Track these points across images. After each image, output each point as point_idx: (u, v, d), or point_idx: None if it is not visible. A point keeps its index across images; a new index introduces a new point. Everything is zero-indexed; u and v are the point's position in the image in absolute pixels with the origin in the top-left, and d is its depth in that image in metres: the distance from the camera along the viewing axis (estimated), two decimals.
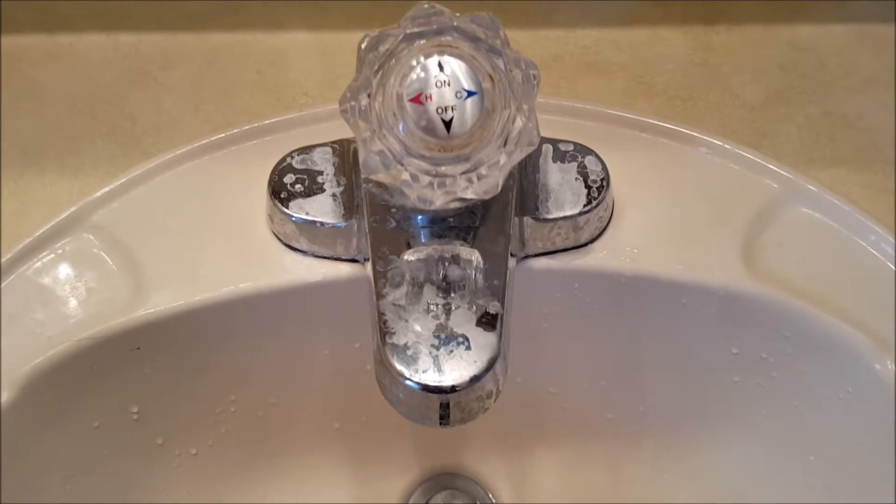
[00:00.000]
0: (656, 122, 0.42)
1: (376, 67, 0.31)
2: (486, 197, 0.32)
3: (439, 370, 0.32)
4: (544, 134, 0.37)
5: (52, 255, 0.39)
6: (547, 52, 0.46)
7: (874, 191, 0.41)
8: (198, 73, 0.45)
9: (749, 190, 0.41)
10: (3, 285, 0.38)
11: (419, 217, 0.35)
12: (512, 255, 0.36)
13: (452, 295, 0.33)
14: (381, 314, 0.33)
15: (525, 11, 0.46)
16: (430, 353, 0.32)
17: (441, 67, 0.30)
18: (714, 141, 0.42)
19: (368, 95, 0.31)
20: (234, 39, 0.46)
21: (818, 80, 0.45)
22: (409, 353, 0.32)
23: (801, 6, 0.46)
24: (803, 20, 0.47)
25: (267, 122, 0.42)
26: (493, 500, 0.46)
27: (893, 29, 0.46)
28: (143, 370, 0.39)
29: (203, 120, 0.43)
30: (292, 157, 0.38)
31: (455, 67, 0.30)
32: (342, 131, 0.36)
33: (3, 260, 0.39)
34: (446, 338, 0.33)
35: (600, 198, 0.37)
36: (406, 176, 0.31)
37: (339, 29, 0.46)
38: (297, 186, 0.38)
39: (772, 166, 0.41)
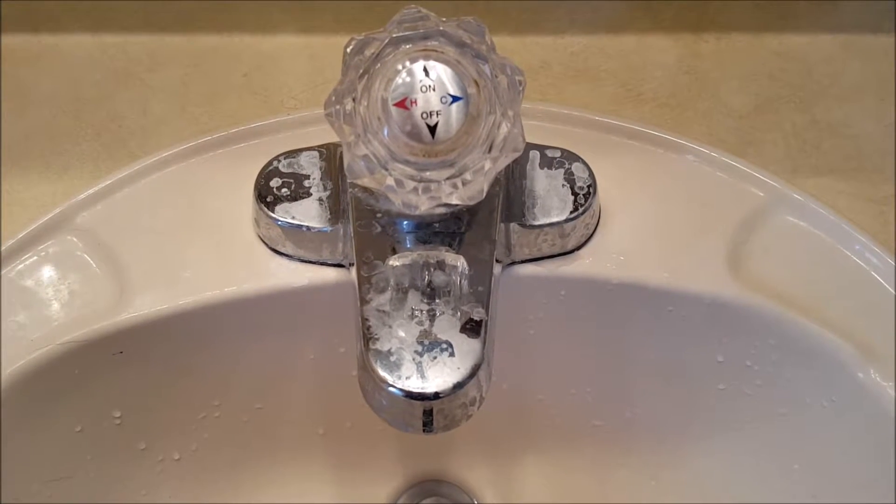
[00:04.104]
0: (644, 130, 0.42)
1: (361, 71, 0.31)
2: (471, 203, 0.32)
3: (423, 377, 0.32)
4: (532, 140, 0.37)
5: (35, 258, 0.39)
6: (535, 59, 0.46)
7: (860, 199, 0.42)
8: (185, 74, 0.45)
9: (735, 198, 0.41)
10: None
11: (404, 222, 0.35)
12: (498, 261, 0.36)
13: (437, 301, 0.33)
14: (364, 320, 0.33)
15: (513, 17, 0.46)
16: (414, 359, 0.32)
17: (426, 72, 0.30)
18: (701, 149, 0.42)
19: (353, 99, 0.31)
20: (222, 41, 0.46)
21: (805, 88, 0.45)
22: (393, 359, 0.32)
23: (790, 15, 0.46)
24: (791, 29, 0.47)
25: (254, 125, 0.42)
26: None
27: (881, 39, 0.47)
28: (126, 374, 0.39)
29: (190, 122, 0.43)
30: (279, 161, 0.38)
31: (441, 72, 0.30)
32: (330, 135, 0.36)
33: None
34: (430, 344, 0.32)
35: (587, 204, 0.37)
36: (391, 181, 0.31)
37: (328, 32, 0.46)
38: (284, 190, 0.37)
39: (758, 174, 0.41)
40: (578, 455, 0.46)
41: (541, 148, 0.38)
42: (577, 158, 0.38)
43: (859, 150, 0.43)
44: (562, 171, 0.38)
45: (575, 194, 0.38)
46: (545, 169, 0.38)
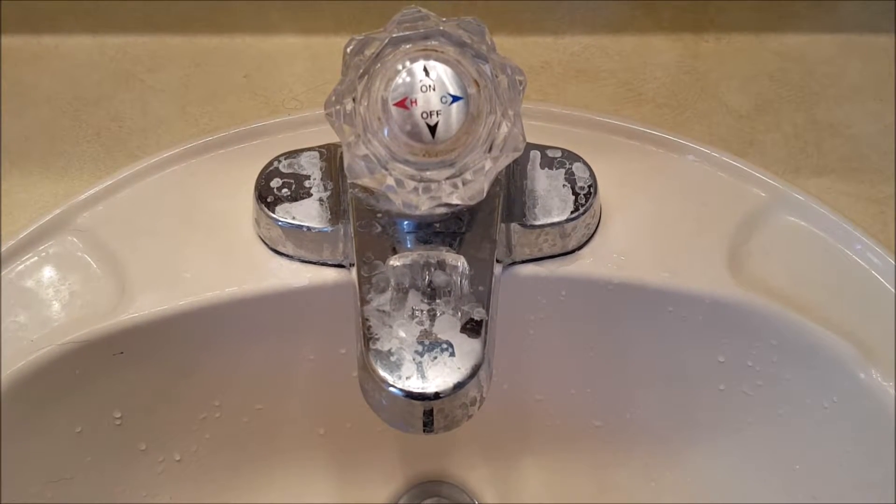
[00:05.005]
0: (644, 130, 0.42)
1: (361, 71, 0.31)
2: (472, 202, 0.32)
3: (423, 377, 0.32)
4: (533, 140, 0.37)
5: (36, 258, 0.39)
6: (536, 59, 0.46)
7: (860, 200, 0.42)
8: (185, 75, 0.45)
9: (736, 198, 0.41)
10: None
11: (405, 222, 0.35)
12: (498, 261, 0.36)
13: (437, 301, 0.33)
14: (365, 320, 0.33)
15: (514, 17, 0.46)
16: (414, 359, 0.32)
17: (427, 72, 0.30)
18: (701, 149, 0.42)
19: (353, 99, 0.31)
20: (223, 42, 0.46)
21: (806, 89, 0.45)
22: (393, 359, 0.32)
23: (790, 16, 0.46)
24: (791, 29, 0.47)
25: (254, 125, 0.42)
26: None
27: (881, 38, 0.47)
28: (126, 375, 0.39)
29: (190, 123, 0.43)
30: (279, 161, 0.38)
31: (441, 72, 0.30)
32: (330, 136, 0.36)
33: None
34: (430, 344, 0.32)
35: (588, 204, 0.37)
36: (391, 181, 0.31)
37: (329, 33, 0.46)
38: (284, 191, 0.37)
39: (759, 174, 0.41)
40: (578, 456, 0.46)
41: (541, 148, 0.38)
42: (578, 158, 0.38)
43: (859, 151, 0.43)
44: (562, 171, 0.38)
45: (576, 194, 0.37)
46: (546, 169, 0.38)
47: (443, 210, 0.34)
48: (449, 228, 0.35)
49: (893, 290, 0.39)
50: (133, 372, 0.39)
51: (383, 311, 0.33)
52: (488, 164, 0.31)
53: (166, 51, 0.45)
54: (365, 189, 0.35)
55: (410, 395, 0.32)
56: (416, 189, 0.31)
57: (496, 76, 0.31)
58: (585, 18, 0.46)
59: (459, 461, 0.47)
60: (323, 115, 0.32)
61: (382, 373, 0.32)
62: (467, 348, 0.32)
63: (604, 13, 0.46)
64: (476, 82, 0.31)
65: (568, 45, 0.46)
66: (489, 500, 0.46)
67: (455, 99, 0.30)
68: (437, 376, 0.32)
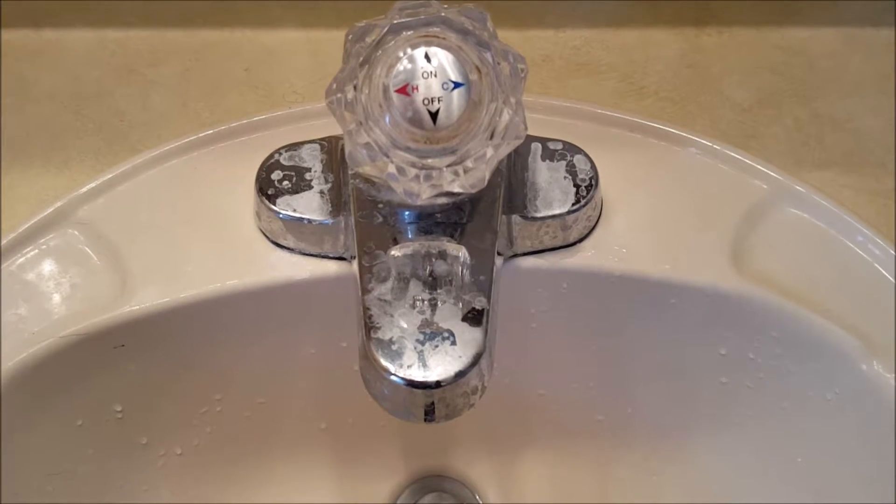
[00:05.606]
0: (646, 123, 0.42)
1: (362, 59, 0.31)
2: (473, 191, 0.32)
3: (424, 365, 0.32)
4: (534, 133, 0.37)
5: (37, 251, 0.39)
6: (537, 52, 0.46)
7: (862, 193, 0.42)
8: (186, 69, 0.45)
9: (738, 190, 0.41)
10: None
11: (406, 213, 0.35)
12: (500, 253, 0.36)
13: (438, 290, 0.33)
14: (366, 309, 0.33)
15: (515, 11, 0.46)
16: (416, 348, 0.32)
17: (428, 58, 0.30)
18: (703, 141, 0.42)
19: (354, 87, 0.31)
20: (224, 36, 0.46)
21: (808, 82, 0.45)
22: (394, 348, 0.32)
23: (791, 9, 0.46)
24: (793, 23, 0.47)
25: (255, 118, 0.42)
26: (481, 503, 0.46)
27: (882, 32, 0.47)
28: (127, 368, 0.39)
29: (191, 117, 0.43)
30: (280, 154, 0.38)
31: (442, 58, 0.30)
32: (331, 128, 0.36)
33: None
34: (431, 333, 0.32)
35: (589, 197, 0.37)
36: (392, 168, 0.31)
37: (329, 26, 0.46)
38: (285, 183, 0.37)
39: (761, 167, 0.41)
40: (580, 450, 0.45)
41: (542, 140, 0.38)
42: (579, 151, 0.38)
43: (861, 144, 0.43)
44: (563, 163, 0.38)
45: (577, 186, 0.37)
46: (547, 161, 0.38)
47: (444, 200, 0.33)
48: (450, 219, 0.35)
49: (895, 282, 0.39)
50: (134, 365, 0.39)
51: (384, 301, 0.33)
52: (490, 152, 0.31)
53: (167, 45, 0.45)
54: (366, 179, 0.35)
55: (412, 384, 0.31)
56: (417, 177, 0.31)
57: (498, 63, 0.31)
58: (586, 12, 0.46)
59: (461, 456, 0.46)
60: (324, 109, 0.32)
61: (384, 362, 0.32)
62: (468, 337, 0.32)
63: (605, 7, 0.46)
64: (478, 69, 0.31)
65: (569, 39, 0.46)
66: (491, 495, 0.46)
67: (456, 85, 0.30)
68: (439, 365, 0.32)
